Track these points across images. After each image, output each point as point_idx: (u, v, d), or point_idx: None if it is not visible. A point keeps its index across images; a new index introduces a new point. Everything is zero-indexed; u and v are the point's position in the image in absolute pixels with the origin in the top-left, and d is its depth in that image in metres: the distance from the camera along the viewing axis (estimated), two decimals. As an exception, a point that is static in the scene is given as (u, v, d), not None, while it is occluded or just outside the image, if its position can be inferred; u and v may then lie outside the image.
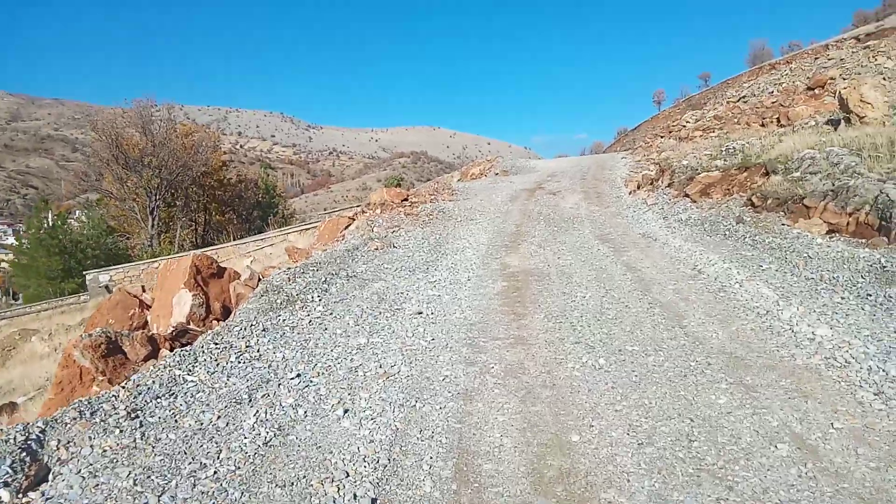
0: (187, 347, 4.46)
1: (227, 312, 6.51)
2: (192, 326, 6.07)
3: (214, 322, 6.25)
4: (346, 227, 11.50)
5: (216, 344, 4.65)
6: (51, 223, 25.68)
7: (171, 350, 5.66)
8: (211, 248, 19.73)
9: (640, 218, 10.23)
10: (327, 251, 8.16)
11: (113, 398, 3.62)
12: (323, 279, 6.67)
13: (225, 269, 6.80)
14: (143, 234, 28.13)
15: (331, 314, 5.62)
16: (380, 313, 5.67)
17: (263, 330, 5.07)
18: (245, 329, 5.04)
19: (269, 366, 4.35)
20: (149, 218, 27.67)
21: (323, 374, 4.26)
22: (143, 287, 6.63)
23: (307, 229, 18.84)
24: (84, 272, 19.59)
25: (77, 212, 37.14)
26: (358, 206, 17.60)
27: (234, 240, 22.16)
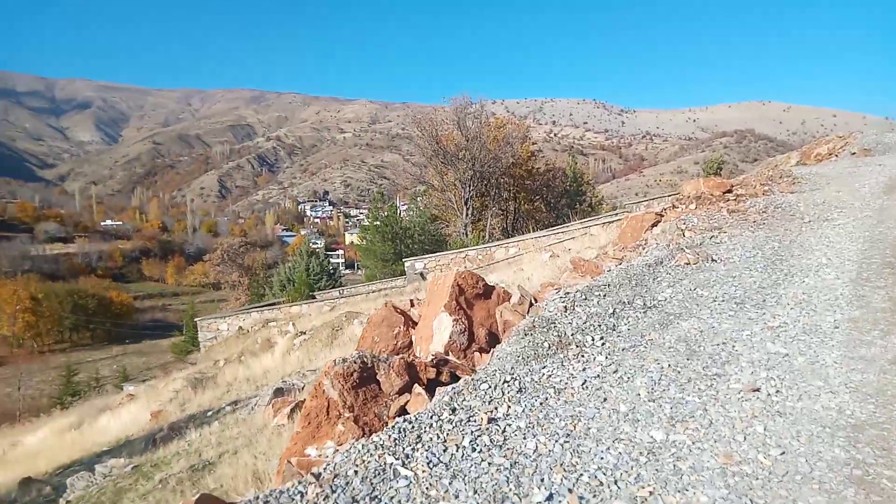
0: (410, 419, 3.37)
1: (493, 340, 5.41)
2: (451, 357, 5.13)
3: (477, 354, 5.20)
4: (652, 226, 9.52)
5: (452, 411, 3.47)
6: (385, 212, 29.33)
7: (429, 382, 4.81)
8: (511, 240, 19.55)
9: None
10: (622, 266, 6.44)
11: (298, 496, 2.71)
12: (610, 310, 5.03)
13: (493, 287, 5.71)
14: (459, 222, 30.14)
15: (615, 372, 3.97)
16: (688, 381, 3.79)
17: (519, 391, 3.73)
18: (495, 388, 3.76)
19: (513, 465, 2.97)
20: (463, 207, 29.50)
21: (586, 500, 2.70)
22: (411, 301, 6.00)
23: (610, 222, 17.10)
24: (405, 258, 21.49)
25: (408, 201, 42.07)
26: (668, 197, 15.12)
27: (535, 230, 21.70)
